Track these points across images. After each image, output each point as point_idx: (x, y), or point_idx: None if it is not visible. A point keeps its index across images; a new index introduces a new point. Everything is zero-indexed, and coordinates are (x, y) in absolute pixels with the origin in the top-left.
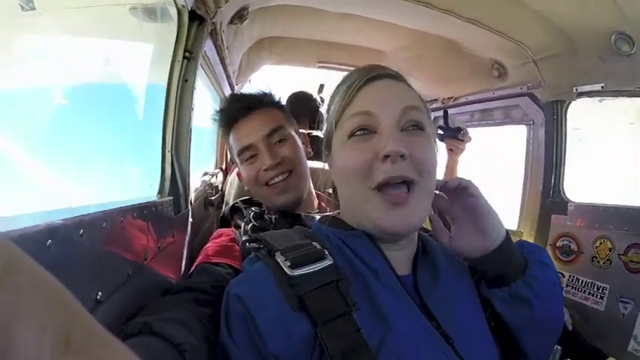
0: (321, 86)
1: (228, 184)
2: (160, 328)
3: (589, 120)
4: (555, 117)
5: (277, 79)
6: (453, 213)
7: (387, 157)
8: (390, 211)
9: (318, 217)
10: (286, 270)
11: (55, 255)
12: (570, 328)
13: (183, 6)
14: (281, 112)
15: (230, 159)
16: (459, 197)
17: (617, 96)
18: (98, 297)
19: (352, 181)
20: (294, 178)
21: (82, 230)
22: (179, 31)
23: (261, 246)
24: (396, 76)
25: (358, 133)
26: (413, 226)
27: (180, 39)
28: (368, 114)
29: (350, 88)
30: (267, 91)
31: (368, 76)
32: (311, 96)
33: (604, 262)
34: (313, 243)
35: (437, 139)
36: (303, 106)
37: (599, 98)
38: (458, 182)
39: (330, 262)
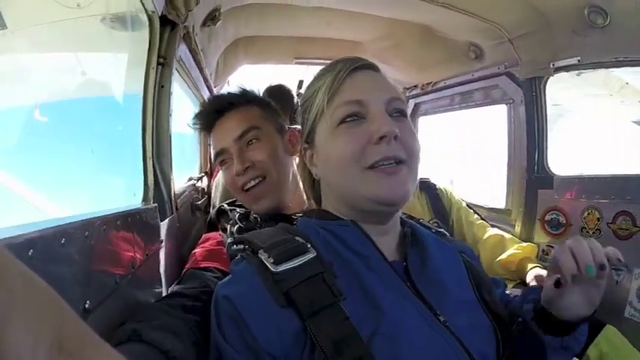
0: (300, 82)
1: (214, 186)
2: (148, 335)
3: (568, 94)
4: (534, 93)
5: (256, 78)
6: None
7: (381, 138)
8: (386, 181)
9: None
10: (270, 267)
11: (35, 265)
12: None
13: (153, 12)
14: (258, 110)
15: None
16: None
17: (594, 68)
18: (86, 306)
19: (345, 164)
20: (268, 184)
21: (63, 240)
22: (151, 37)
23: (246, 246)
24: (376, 69)
25: (348, 119)
26: (406, 195)
27: (153, 45)
28: (358, 102)
29: (336, 78)
30: (241, 90)
31: (353, 66)
32: (289, 90)
33: (593, 232)
34: (296, 237)
35: None
36: (278, 101)
37: (576, 72)
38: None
39: (313, 255)
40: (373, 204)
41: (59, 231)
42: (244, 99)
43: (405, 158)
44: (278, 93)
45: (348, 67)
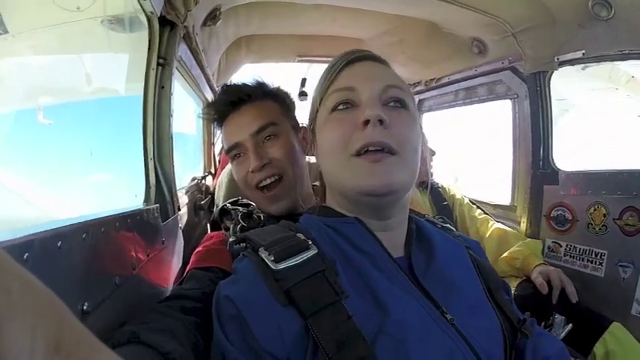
0: (304, 80)
1: (217, 186)
2: (147, 337)
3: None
4: (539, 88)
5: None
6: None
7: (366, 122)
8: (368, 168)
9: None
10: (270, 265)
11: (30, 268)
12: (574, 301)
13: (152, 12)
14: (276, 105)
15: (220, 160)
16: None
17: (598, 62)
18: (84, 307)
19: (333, 151)
20: (285, 185)
21: (60, 242)
22: (151, 38)
23: (248, 245)
24: (377, 59)
25: (340, 107)
26: (390, 185)
27: (152, 46)
28: (350, 89)
29: (332, 69)
30: (258, 82)
31: (350, 57)
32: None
33: (600, 228)
34: (297, 235)
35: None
36: None
37: (581, 66)
38: None
39: (314, 252)
40: (355, 194)
41: (56, 234)
42: (261, 91)
43: (395, 148)
44: None
45: (347, 58)
